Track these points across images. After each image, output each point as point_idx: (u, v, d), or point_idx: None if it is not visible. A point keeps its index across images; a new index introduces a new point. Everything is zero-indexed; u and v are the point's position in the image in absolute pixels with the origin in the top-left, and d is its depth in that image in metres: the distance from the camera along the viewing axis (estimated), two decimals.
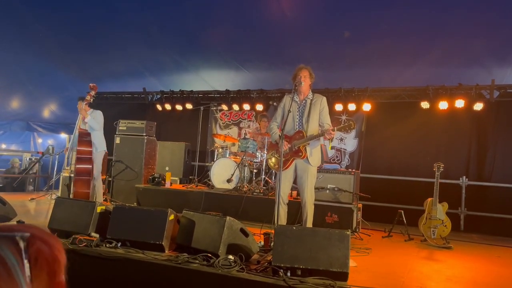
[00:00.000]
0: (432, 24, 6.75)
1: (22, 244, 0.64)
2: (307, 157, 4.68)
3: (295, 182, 5.00)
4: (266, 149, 7.38)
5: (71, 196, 5.84)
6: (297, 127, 4.78)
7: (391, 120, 8.05)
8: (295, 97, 4.79)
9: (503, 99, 7.48)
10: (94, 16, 7.80)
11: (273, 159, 5.05)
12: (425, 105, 7.66)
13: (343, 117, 8.57)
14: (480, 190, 7.41)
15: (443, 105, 7.49)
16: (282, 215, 4.72)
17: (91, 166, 5.90)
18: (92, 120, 6.19)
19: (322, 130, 4.66)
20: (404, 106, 8.04)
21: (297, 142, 4.69)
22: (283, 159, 4.66)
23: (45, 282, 0.66)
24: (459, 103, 7.38)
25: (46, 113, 11.59)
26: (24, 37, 8.49)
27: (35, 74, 9.59)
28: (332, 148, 8.52)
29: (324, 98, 4.84)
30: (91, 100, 6.14)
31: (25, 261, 0.63)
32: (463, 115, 7.57)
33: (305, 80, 4.72)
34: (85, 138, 5.89)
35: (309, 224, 4.74)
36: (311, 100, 4.78)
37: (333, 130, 4.50)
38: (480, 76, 7.44)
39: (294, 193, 6.26)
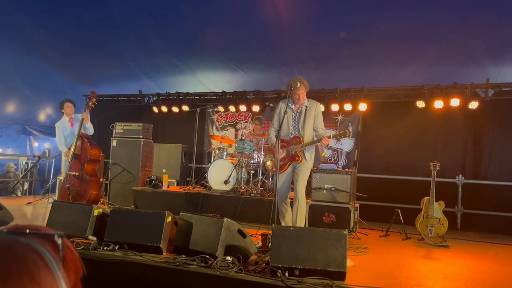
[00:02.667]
0: (428, 24, 6.78)
1: (59, 242, 0.67)
2: (303, 161, 4.90)
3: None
4: (263, 150, 7.42)
5: (70, 198, 5.93)
6: (294, 132, 4.99)
7: (387, 120, 8.08)
8: (290, 104, 5.00)
9: (498, 98, 7.51)
10: (90, 20, 7.79)
11: (269, 162, 5.25)
12: (420, 104, 7.69)
13: (339, 118, 8.59)
14: (476, 188, 7.43)
15: (438, 104, 7.53)
16: (285, 215, 4.97)
17: (97, 167, 6.46)
18: (92, 126, 6.68)
19: (318, 136, 4.89)
20: (400, 105, 8.07)
21: (295, 147, 4.91)
22: (281, 163, 4.92)
23: (72, 282, 0.69)
24: (455, 102, 7.41)
25: (42, 116, 11.56)
26: (19, 40, 8.47)
27: (31, 77, 9.56)
28: (329, 148, 8.53)
29: (319, 104, 5.09)
30: (92, 106, 6.70)
31: (61, 257, 0.66)
32: (459, 114, 7.60)
33: (303, 96, 4.95)
34: (92, 142, 6.40)
35: (301, 215, 4.89)
36: (307, 107, 4.98)
37: (328, 137, 4.79)
38: (475, 75, 7.47)
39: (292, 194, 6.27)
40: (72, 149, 6.26)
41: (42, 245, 0.64)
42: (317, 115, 4.97)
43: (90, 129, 6.63)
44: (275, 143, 4.93)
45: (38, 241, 0.64)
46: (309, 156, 4.94)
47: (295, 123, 4.99)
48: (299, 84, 4.82)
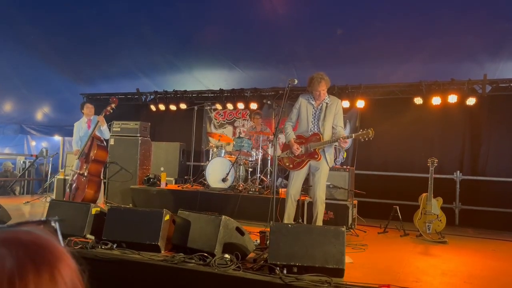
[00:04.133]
0: (425, 20, 6.77)
1: (56, 226, 0.76)
2: (321, 159, 4.77)
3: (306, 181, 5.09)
4: (261, 147, 7.41)
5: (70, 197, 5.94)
6: (313, 129, 4.86)
7: (385, 117, 8.07)
8: (311, 100, 4.89)
9: (496, 94, 7.52)
10: (87, 18, 7.76)
11: (287, 159, 4.99)
12: (418, 101, 7.69)
13: None
14: (474, 185, 7.45)
15: (436, 100, 7.53)
16: (291, 212, 4.88)
17: (102, 169, 6.45)
18: (107, 129, 6.71)
19: (335, 135, 4.78)
20: (397, 102, 8.07)
21: (314, 144, 4.78)
22: (298, 160, 4.81)
23: None
24: (452, 98, 7.41)
25: (39, 115, 11.52)
26: (16, 40, 8.43)
27: (28, 77, 9.52)
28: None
29: (340, 101, 4.96)
30: (111, 111, 6.62)
31: (59, 238, 0.73)
32: (456, 110, 7.61)
33: (324, 93, 4.82)
34: (102, 143, 6.39)
35: (319, 221, 4.81)
36: (327, 104, 4.85)
37: (346, 137, 4.68)
38: (473, 71, 7.47)
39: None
40: (81, 148, 6.30)
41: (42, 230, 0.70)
42: (337, 112, 4.85)
43: (106, 133, 6.61)
44: (292, 139, 4.85)
45: (38, 228, 0.71)
46: (329, 156, 4.79)
47: (315, 119, 4.85)
48: (322, 81, 4.70)
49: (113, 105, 6.56)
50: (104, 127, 6.52)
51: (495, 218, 7.01)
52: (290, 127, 4.96)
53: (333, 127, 4.83)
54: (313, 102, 4.87)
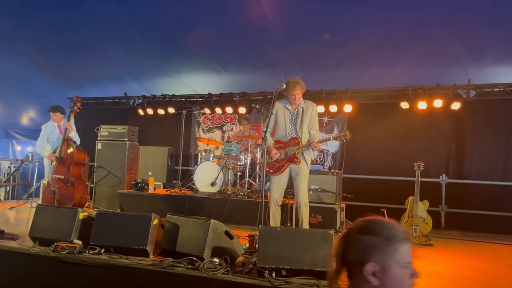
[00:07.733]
0: (411, 26, 6.87)
1: None
2: (301, 162, 4.87)
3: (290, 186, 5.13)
4: (250, 152, 7.43)
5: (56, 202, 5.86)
6: (291, 133, 4.96)
7: (372, 121, 8.17)
8: (287, 105, 4.99)
9: (480, 98, 7.66)
10: (73, 21, 7.69)
11: (267, 164, 5.08)
12: (404, 105, 7.80)
13: (325, 119, 8.65)
14: (459, 188, 7.56)
15: (422, 105, 7.65)
16: (276, 216, 4.96)
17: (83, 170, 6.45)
18: (77, 134, 6.62)
19: (310, 138, 4.89)
20: (384, 106, 8.17)
21: (293, 148, 4.88)
22: (278, 164, 4.92)
23: None
24: (438, 103, 7.54)
25: (25, 120, 11.38)
26: (1, 42, 8.32)
27: (13, 81, 9.40)
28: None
29: (315, 105, 5.09)
30: (77, 111, 6.62)
31: None
32: (442, 115, 7.73)
33: (299, 97, 4.94)
34: (78, 145, 6.38)
35: (305, 225, 4.86)
36: (303, 108, 4.97)
37: (318, 142, 4.78)
38: (457, 76, 7.60)
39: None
40: (57, 153, 6.17)
41: None
42: (313, 116, 4.98)
43: (76, 138, 6.53)
44: (271, 145, 4.93)
45: None
46: (308, 159, 4.92)
47: (292, 124, 4.97)
48: (297, 86, 4.81)
49: (78, 104, 6.57)
50: (73, 133, 6.46)
51: (480, 221, 7.13)
52: (268, 133, 5.01)
53: (308, 130, 4.96)
54: (289, 107, 4.99)
